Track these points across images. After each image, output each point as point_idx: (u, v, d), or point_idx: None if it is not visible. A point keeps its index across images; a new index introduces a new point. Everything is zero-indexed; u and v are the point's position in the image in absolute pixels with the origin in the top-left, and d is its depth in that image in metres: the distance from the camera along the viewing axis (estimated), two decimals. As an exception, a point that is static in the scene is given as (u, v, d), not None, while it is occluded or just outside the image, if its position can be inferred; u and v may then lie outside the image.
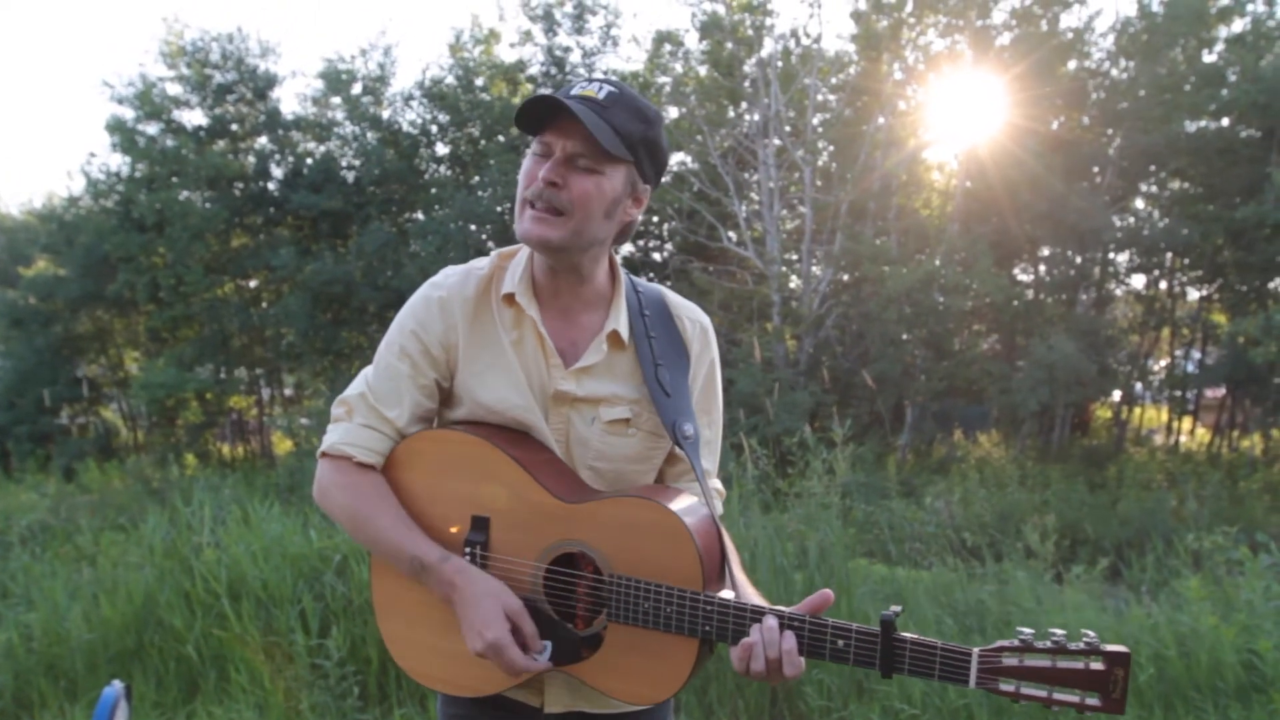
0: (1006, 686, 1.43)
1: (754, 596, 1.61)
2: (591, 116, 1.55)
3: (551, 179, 1.58)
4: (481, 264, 1.75)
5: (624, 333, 1.70)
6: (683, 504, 1.62)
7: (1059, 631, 1.43)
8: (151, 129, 18.36)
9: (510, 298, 1.69)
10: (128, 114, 18.19)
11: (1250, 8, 15.37)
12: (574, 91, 1.59)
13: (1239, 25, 15.61)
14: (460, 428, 1.71)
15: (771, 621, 1.48)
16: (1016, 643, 1.43)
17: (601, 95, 1.59)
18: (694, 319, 1.80)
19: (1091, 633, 1.42)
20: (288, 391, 21.01)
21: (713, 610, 1.52)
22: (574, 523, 1.61)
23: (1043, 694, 1.42)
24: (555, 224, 1.60)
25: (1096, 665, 1.40)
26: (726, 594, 1.58)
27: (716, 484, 1.82)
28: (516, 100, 17.83)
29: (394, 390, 1.70)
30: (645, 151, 1.63)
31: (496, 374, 1.69)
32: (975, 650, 1.43)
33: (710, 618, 1.53)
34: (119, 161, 18.63)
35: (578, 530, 1.60)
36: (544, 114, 1.58)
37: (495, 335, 1.70)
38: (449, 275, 1.74)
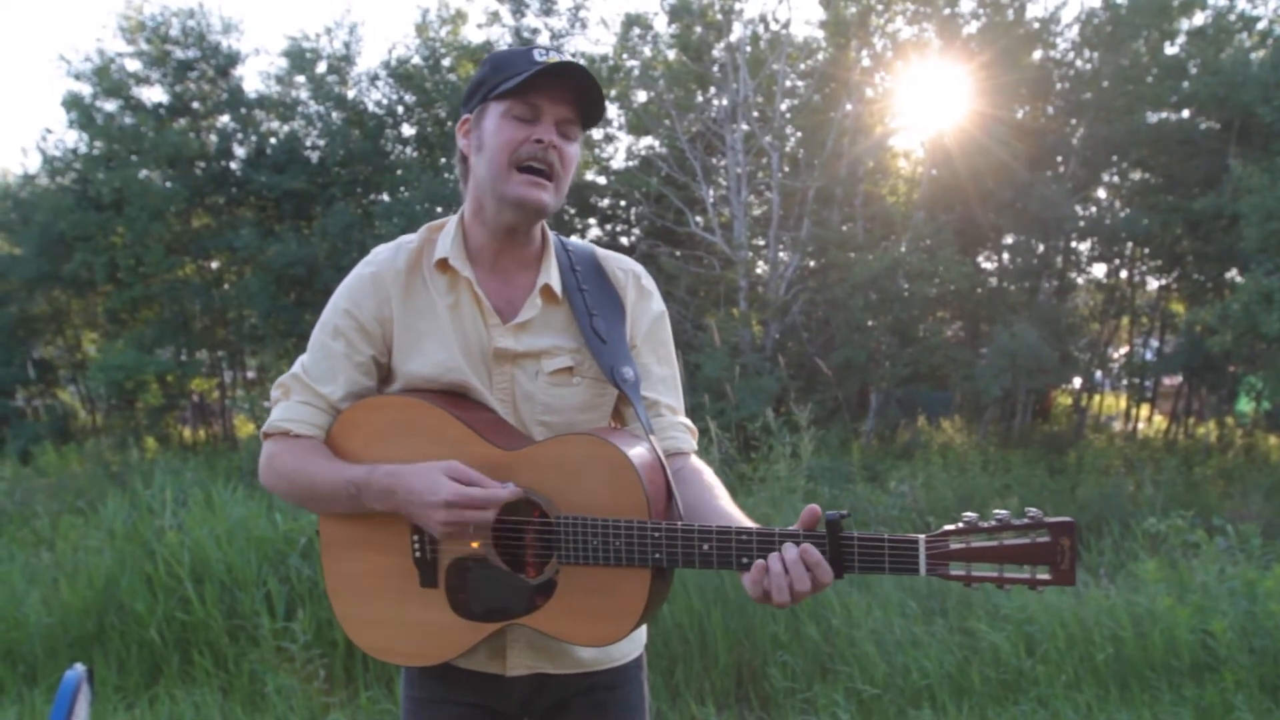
0: (957, 571, 1.42)
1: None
2: (594, 86, 1.59)
3: (554, 142, 1.60)
4: (411, 238, 1.75)
5: (556, 286, 1.71)
6: (623, 438, 1.61)
7: (1002, 511, 1.42)
8: (110, 106, 17.96)
9: (444, 263, 1.68)
10: (85, 90, 17.79)
11: (1211, 1, 15.60)
12: (543, 59, 1.59)
13: (1200, 18, 15.87)
14: (396, 393, 1.71)
15: (791, 546, 1.43)
16: (961, 525, 1.42)
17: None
18: (625, 269, 1.80)
19: (1035, 509, 1.42)
20: (250, 374, 20.71)
21: (661, 536, 1.50)
22: (517, 469, 1.58)
23: (993, 574, 1.42)
24: (549, 188, 1.63)
25: (1042, 538, 1.39)
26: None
27: (684, 420, 1.80)
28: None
29: (329, 369, 1.70)
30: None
31: (432, 340, 1.68)
32: (922, 537, 1.42)
33: (659, 545, 1.50)
34: (76, 139, 18.23)
35: (521, 476, 1.58)
36: (543, 80, 1.58)
37: (430, 303, 1.69)
38: (379, 252, 1.75)
